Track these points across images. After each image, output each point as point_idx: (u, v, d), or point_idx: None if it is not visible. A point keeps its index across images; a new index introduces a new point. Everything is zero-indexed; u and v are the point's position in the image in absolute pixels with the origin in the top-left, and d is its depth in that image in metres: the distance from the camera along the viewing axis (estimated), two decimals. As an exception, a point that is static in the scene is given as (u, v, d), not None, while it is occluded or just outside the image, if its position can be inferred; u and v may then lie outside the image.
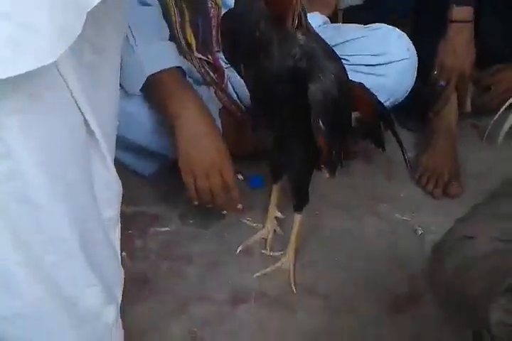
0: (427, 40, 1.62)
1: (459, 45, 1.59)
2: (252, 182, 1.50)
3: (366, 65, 1.47)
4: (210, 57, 1.46)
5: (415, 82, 1.55)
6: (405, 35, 1.50)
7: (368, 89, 1.31)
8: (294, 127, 1.14)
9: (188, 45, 1.42)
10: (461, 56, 1.60)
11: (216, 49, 1.45)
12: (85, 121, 0.76)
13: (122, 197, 0.90)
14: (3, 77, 0.58)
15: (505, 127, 1.61)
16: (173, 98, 1.27)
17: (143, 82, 1.29)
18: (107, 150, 0.83)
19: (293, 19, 1.03)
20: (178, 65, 1.31)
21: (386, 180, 1.58)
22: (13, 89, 0.63)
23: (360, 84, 1.28)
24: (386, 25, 1.52)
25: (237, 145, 1.42)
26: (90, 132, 0.78)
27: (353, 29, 1.55)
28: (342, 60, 1.43)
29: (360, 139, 1.35)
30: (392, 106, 1.53)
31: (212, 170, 1.25)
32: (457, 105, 1.69)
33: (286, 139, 1.19)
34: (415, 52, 1.50)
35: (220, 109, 1.46)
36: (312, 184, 1.26)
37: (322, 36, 1.50)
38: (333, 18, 1.86)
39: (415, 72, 1.51)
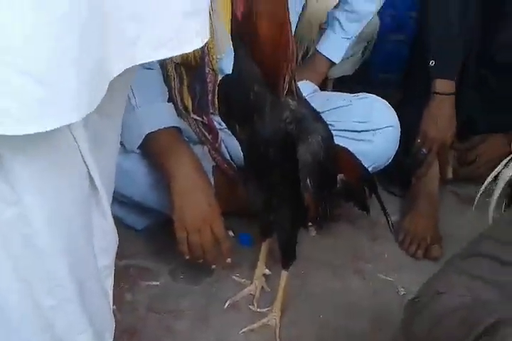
0: (411, 110, 1.72)
1: (441, 115, 1.68)
2: (241, 239, 1.54)
3: (351, 131, 1.54)
4: (205, 118, 1.54)
5: (399, 148, 1.63)
6: (389, 105, 1.59)
7: (353, 154, 1.39)
8: (283, 187, 1.20)
9: (185, 107, 1.50)
10: (443, 126, 1.69)
11: (211, 111, 1.53)
12: (90, 176, 0.80)
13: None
14: (31, 132, 0.61)
15: (493, 203, 1.69)
16: (169, 155, 1.34)
17: (141, 140, 1.36)
18: (107, 202, 0.87)
19: (284, 85, 1.11)
20: (175, 124, 1.38)
21: (370, 241, 1.63)
22: (29, 143, 0.68)
23: (345, 148, 1.35)
24: (372, 95, 1.61)
25: (229, 202, 1.47)
26: (93, 186, 0.82)
27: (340, 97, 1.64)
28: (329, 125, 1.54)
29: (345, 201, 1.41)
30: (374, 171, 1.60)
31: (203, 225, 1.30)
32: (439, 172, 1.77)
33: (275, 198, 1.24)
34: (398, 122, 1.58)
35: (213, 167, 1.52)
36: (298, 245, 1.30)
37: (313, 102, 1.62)
38: (324, 87, 1.97)
39: (398, 141, 1.58)
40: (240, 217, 1.53)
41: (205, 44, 1.39)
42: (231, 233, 1.54)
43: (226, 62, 1.35)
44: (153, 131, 1.35)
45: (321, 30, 1.94)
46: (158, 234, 1.51)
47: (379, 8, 1.76)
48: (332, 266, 1.52)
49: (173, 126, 1.38)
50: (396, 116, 1.58)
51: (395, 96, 1.92)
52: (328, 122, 1.51)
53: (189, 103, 1.50)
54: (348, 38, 1.72)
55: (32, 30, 0.58)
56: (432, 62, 1.65)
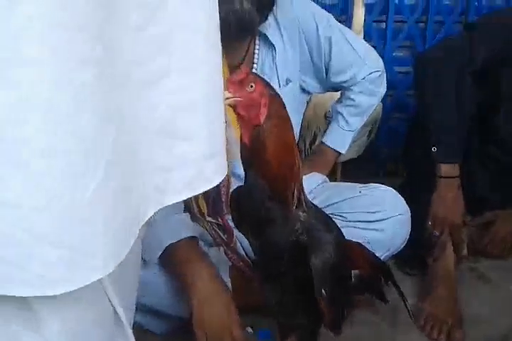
0: (419, 192, 1.77)
1: (448, 198, 1.73)
2: (260, 336, 1.56)
3: (363, 222, 1.58)
4: (220, 220, 1.59)
5: (412, 230, 1.67)
6: (397, 193, 1.63)
7: (365, 247, 1.41)
8: (296, 291, 1.22)
9: (201, 212, 1.56)
10: (451, 208, 1.73)
11: (225, 212, 1.58)
12: (114, 311, 0.83)
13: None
14: (62, 292, 0.65)
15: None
16: (187, 265, 1.39)
17: (161, 251, 1.41)
18: (129, 328, 0.89)
19: (293, 201, 1.15)
20: (193, 234, 1.44)
21: (391, 328, 1.64)
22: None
23: (358, 243, 1.37)
24: (382, 185, 1.67)
25: (247, 298, 1.50)
26: (118, 318, 0.85)
27: (350, 188, 1.69)
28: (340, 217, 1.57)
29: (361, 294, 1.43)
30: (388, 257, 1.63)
31: (223, 331, 1.34)
32: (454, 251, 1.79)
33: (290, 303, 1.26)
34: (408, 208, 1.62)
35: (229, 267, 1.56)
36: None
37: (320, 195, 1.68)
38: (332, 172, 2.02)
39: (409, 226, 1.62)
40: (259, 313, 1.54)
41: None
42: (250, 330, 1.57)
43: (238, 165, 1.41)
44: (172, 242, 1.40)
45: (327, 118, 2.02)
46: (179, 338, 1.53)
47: (380, 100, 1.82)
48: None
49: (191, 236, 1.44)
50: (405, 203, 1.62)
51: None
52: (339, 214, 1.60)
53: (204, 208, 1.56)
54: (351, 131, 1.78)
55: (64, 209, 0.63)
56: (434, 148, 1.71)
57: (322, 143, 1.82)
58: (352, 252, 1.29)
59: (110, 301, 0.83)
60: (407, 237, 1.63)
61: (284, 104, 1.12)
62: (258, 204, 1.15)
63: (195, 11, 0.73)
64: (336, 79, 1.71)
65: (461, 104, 1.72)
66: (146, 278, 1.40)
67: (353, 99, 1.74)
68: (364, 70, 1.72)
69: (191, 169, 0.78)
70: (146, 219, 0.76)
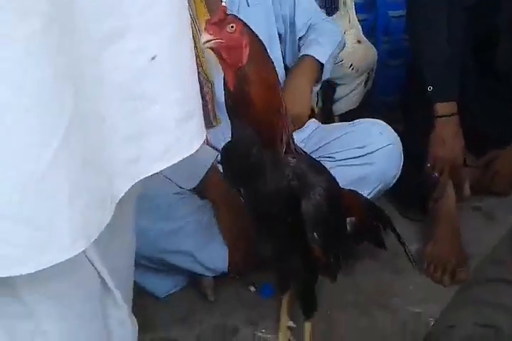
0: (417, 134, 1.75)
1: (446, 137, 1.69)
2: (263, 292, 1.57)
3: (352, 158, 1.58)
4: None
5: (410, 173, 1.65)
6: (387, 125, 1.62)
7: (359, 194, 1.41)
8: (291, 241, 1.23)
9: None
10: (451, 147, 1.70)
11: (213, 124, 1.55)
12: (100, 277, 0.81)
13: (139, 325, 0.94)
14: (31, 271, 0.63)
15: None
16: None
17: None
18: (119, 295, 0.86)
19: (282, 145, 1.14)
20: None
21: (394, 274, 1.64)
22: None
23: (350, 190, 1.38)
24: (368, 119, 1.65)
25: (247, 259, 1.53)
26: (105, 285, 0.83)
27: (337, 128, 1.69)
28: (329, 158, 1.57)
29: (358, 242, 1.43)
30: (383, 192, 1.64)
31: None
32: (455, 191, 1.77)
33: (285, 252, 1.27)
34: (398, 138, 1.61)
35: None
36: (320, 285, 1.32)
37: (314, 138, 1.67)
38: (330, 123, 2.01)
39: (401, 158, 1.62)
40: (260, 270, 1.56)
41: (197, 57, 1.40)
42: (253, 288, 1.59)
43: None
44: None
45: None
46: (181, 301, 1.55)
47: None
48: (357, 305, 1.54)
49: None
50: (395, 133, 1.62)
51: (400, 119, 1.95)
52: (328, 155, 1.60)
53: None
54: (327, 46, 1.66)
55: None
56: (429, 88, 1.68)
57: (301, 56, 1.66)
58: (346, 199, 1.29)
59: (98, 272, 0.81)
60: (398, 171, 1.62)
61: (263, 45, 1.10)
62: (247, 152, 1.13)
63: None
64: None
65: (454, 39, 1.68)
66: (142, 227, 1.41)
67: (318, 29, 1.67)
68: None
69: (165, 135, 0.73)
70: (122, 194, 0.72)
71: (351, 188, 1.41)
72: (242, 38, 1.05)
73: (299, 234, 1.18)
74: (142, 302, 0.94)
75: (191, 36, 0.77)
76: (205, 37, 1.03)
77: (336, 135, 1.63)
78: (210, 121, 1.54)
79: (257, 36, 1.09)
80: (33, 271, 0.63)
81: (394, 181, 1.63)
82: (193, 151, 0.77)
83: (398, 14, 2.27)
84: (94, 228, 0.68)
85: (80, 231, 0.65)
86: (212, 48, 1.04)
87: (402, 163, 1.62)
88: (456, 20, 1.70)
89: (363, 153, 1.57)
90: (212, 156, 1.50)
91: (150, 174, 0.74)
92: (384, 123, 1.62)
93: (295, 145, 1.19)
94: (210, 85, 1.50)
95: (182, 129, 0.74)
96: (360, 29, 2.05)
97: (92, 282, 0.81)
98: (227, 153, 1.26)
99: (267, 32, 1.60)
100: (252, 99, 1.07)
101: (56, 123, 0.60)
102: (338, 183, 1.27)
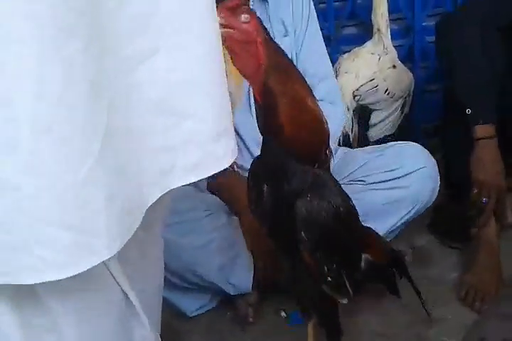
0: (457, 160, 1.72)
1: (486, 159, 1.63)
2: (293, 319, 1.53)
3: (384, 181, 1.54)
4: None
5: (451, 200, 1.60)
6: (420, 146, 1.59)
7: (379, 235, 1.36)
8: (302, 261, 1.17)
9: None
10: (491, 170, 1.64)
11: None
12: (126, 296, 0.82)
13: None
14: (66, 276, 0.65)
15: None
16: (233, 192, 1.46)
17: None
18: (143, 313, 0.86)
19: (326, 158, 1.09)
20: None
21: (431, 303, 1.56)
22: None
23: (370, 228, 1.31)
24: (401, 141, 1.63)
25: (274, 277, 1.49)
26: (130, 304, 0.83)
27: (367, 152, 1.65)
28: (359, 182, 1.54)
29: (373, 281, 1.36)
30: (418, 214, 1.59)
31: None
32: (497, 218, 1.69)
33: (300, 276, 1.22)
34: (433, 160, 1.58)
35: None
36: (350, 314, 1.28)
37: (343, 164, 1.61)
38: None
39: (437, 180, 1.58)
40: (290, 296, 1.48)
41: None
42: (283, 314, 1.55)
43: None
44: None
45: (355, 97, 1.97)
46: (211, 323, 1.53)
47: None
48: (389, 334, 1.47)
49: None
50: (429, 155, 1.58)
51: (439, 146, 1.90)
52: (359, 178, 1.56)
53: None
54: None
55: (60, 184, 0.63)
56: (468, 111, 1.63)
57: None
58: (365, 235, 1.25)
59: (120, 286, 0.81)
60: (435, 193, 1.58)
61: (284, 53, 1.04)
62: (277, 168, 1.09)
63: None
64: None
65: (490, 60, 1.64)
66: (169, 241, 1.40)
67: None
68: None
69: (197, 149, 0.76)
70: (151, 202, 0.74)
71: (384, 212, 1.37)
72: (256, 34, 0.98)
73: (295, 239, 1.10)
74: (173, 327, 0.92)
75: (222, 58, 0.79)
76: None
77: (366, 159, 1.60)
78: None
79: (275, 42, 1.03)
80: (73, 274, 0.65)
81: (430, 204, 1.59)
82: (222, 168, 0.79)
83: (436, 39, 2.24)
84: (126, 232, 0.70)
85: (116, 234, 0.68)
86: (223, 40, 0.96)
87: (438, 186, 1.58)
88: (491, 41, 1.66)
89: (395, 176, 1.53)
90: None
91: (180, 185, 0.76)
92: (417, 144, 1.59)
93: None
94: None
95: (214, 145, 0.77)
96: (396, 54, 2.02)
97: (118, 302, 0.82)
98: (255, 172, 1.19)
99: None
100: (279, 117, 1.01)
101: (93, 135, 0.64)
102: (356, 213, 1.19)
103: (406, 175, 1.53)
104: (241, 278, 1.48)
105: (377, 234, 1.33)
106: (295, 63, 1.50)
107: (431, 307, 1.54)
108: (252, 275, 1.48)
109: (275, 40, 1.45)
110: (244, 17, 0.97)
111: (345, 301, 1.19)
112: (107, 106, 0.66)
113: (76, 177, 0.63)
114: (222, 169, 0.79)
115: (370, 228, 1.31)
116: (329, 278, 1.14)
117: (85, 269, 0.66)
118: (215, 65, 0.77)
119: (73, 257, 0.65)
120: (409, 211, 1.53)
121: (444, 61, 1.81)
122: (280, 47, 1.04)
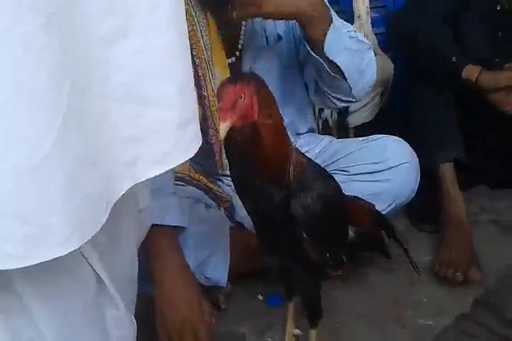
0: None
1: None
2: (270, 301, 1.55)
3: (367, 173, 1.56)
4: (211, 185, 1.58)
5: (424, 185, 1.63)
6: (404, 141, 1.60)
7: (364, 202, 1.36)
8: (291, 249, 1.20)
9: (195, 178, 1.55)
10: None
11: (220, 172, 1.58)
12: (96, 275, 0.82)
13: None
14: (19, 266, 0.63)
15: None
16: (157, 259, 1.30)
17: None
18: (118, 295, 0.86)
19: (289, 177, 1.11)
20: (177, 224, 1.36)
21: (408, 286, 1.61)
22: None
23: (355, 197, 1.34)
24: (385, 135, 1.63)
25: (247, 263, 1.51)
26: (103, 287, 0.83)
27: (353, 143, 1.67)
28: (342, 172, 1.55)
29: (362, 250, 1.40)
30: (399, 208, 1.62)
31: (184, 329, 1.27)
32: None
33: (289, 260, 1.25)
34: (415, 156, 1.59)
35: (230, 227, 1.54)
36: (330, 295, 1.31)
37: (328, 152, 1.66)
38: (345, 136, 2.00)
39: (417, 176, 1.59)
40: (266, 278, 1.53)
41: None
42: (260, 297, 1.57)
43: None
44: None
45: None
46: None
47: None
48: (368, 316, 1.50)
49: (172, 226, 1.34)
50: (412, 152, 1.59)
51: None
52: (342, 168, 1.58)
53: (192, 172, 1.55)
54: None
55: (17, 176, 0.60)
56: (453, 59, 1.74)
57: None
58: (350, 207, 1.27)
59: (94, 270, 0.81)
60: (415, 188, 1.60)
61: (270, 92, 1.07)
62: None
63: None
64: None
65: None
66: None
67: None
68: None
69: (164, 138, 0.73)
70: (119, 195, 0.72)
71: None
72: (251, 102, 1.01)
73: (296, 239, 1.14)
74: (148, 308, 0.91)
75: (189, 43, 0.78)
76: (224, 126, 0.98)
77: (350, 149, 1.62)
78: (216, 170, 1.57)
79: (262, 83, 1.06)
80: (25, 266, 0.64)
81: (410, 199, 1.61)
82: (190, 156, 0.77)
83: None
84: (89, 227, 0.68)
85: (74, 229, 0.65)
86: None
87: (418, 181, 1.60)
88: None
89: (378, 169, 1.55)
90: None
91: (148, 177, 0.74)
92: (401, 140, 1.61)
93: (299, 151, 1.18)
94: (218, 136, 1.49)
95: (181, 134, 0.74)
96: (376, 42, 2.04)
97: (89, 282, 0.81)
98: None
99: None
100: (262, 149, 1.05)
101: (51, 120, 0.61)
102: (341, 190, 1.24)
103: (389, 168, 1.55)
104: (217, 273, 1.47)
105: (361, 200, 1.34)
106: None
107: (408, 290, 1.60)
108: (228, 270, 1.47)
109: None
110: (240, 98, 1.00)
111: (340, 273, 1.23)
112: (69, 90, 0.62)
113: (31, 162, 0.60)
114: (189, 157, 0.76)
115: (353, 197, 1.32)
116: (331, 262, 1.19)
117: (39, 261, 0.63)
118: (183, 51, 0.75)
119: (26, 250, 0.63)
120: (390, 204, 1.54)
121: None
122: (264, 84, 1.07)
